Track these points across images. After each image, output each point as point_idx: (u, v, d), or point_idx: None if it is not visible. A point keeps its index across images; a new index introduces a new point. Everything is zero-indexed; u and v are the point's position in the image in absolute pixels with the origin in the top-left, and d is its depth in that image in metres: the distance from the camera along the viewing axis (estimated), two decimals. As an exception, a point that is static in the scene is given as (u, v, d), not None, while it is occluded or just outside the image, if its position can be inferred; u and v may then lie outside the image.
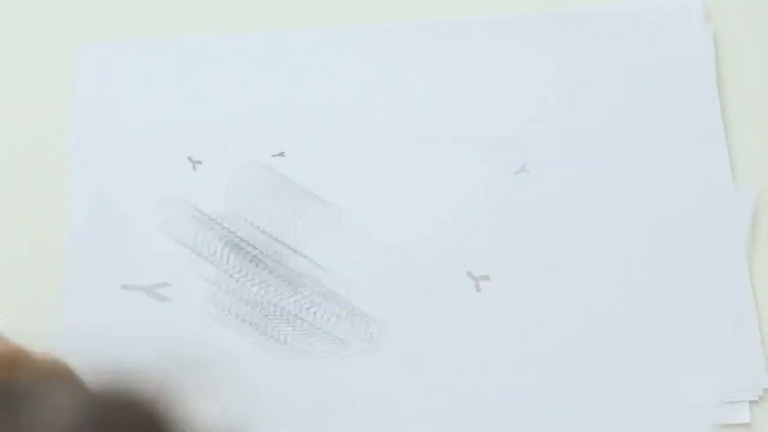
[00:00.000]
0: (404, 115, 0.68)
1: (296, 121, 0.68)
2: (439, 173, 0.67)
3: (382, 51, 0.70)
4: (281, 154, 0.67)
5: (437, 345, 0.62)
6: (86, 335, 0.62)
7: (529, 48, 0.69)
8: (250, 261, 0.64)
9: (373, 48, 0.70)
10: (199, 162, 0.67)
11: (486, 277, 0.63)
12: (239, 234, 0.65)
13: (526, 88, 0.69)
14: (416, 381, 0.61)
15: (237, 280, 0.64)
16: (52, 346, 0.62)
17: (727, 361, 0.62)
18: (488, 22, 0.70)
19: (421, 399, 0.61)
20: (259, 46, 0.70)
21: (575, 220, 0.65)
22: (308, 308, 0.63)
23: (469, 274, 0.63)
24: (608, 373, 0.62)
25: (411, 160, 0.67)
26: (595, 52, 0.69)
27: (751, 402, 0.61)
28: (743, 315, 0.63)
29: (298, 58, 0.70)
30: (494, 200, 0.66)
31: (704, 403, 0.61)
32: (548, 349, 0.62)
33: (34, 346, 0.62)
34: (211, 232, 0.66)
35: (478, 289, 0.63)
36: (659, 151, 0.67)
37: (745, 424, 0.61)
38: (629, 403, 0.61)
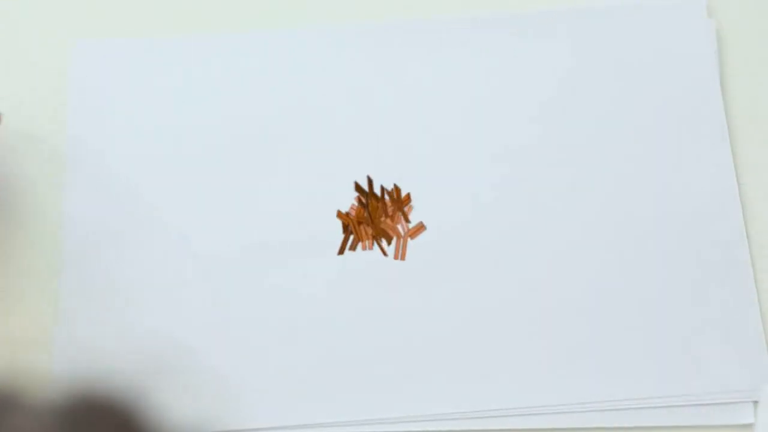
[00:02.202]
0: (408, 113, 0.68)
1: (295, 120, 0.68)
2: (444, 170, 0.66)
3: (387, 50, 0.70)
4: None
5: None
6: (81, 339, 0.62)
7: (531, 45, 0.69)
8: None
9: (377, 47, 0.70)
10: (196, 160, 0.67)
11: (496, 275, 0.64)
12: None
13: (530, 85, 0.68)
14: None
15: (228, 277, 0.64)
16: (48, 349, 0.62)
17: (729, 362, 0.62)
18: (491, 19, 0.70)
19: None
20: (257, 46, 0.70)
21: (578, 215, 0.65)
22: None
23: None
24: (608, 378, 0.61)
25: (414, 157, 0.67)
26: (598, 48, 0.69)
27: (755, 402, 0.61)
28: (747, 316, 0.63)
29: (294, 58, 0.70)
30: (499, 195, 0.66)
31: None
32: (550, 351, 0.62)
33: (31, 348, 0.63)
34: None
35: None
36: (662, 146, 0.66)
37: (749, 425, 0.60)
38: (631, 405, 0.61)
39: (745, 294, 0.63)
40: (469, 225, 0.65)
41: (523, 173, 0.66)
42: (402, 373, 0.62)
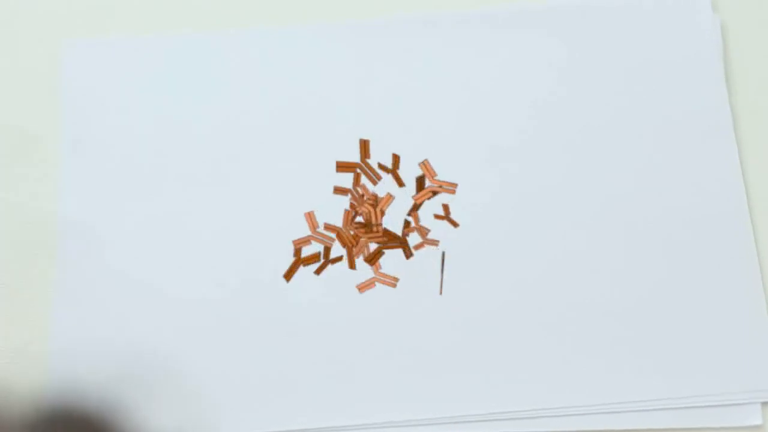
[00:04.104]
0: (402, 112, 0.67)
1: (289, 118, 0.67)
2: (440, 168, 0.66)
3: (378, 48, 0.69)
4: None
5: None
6: (75, 345, 0.63)
7: (534, 41, 0.68)
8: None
9: (371, 43, 0.69)
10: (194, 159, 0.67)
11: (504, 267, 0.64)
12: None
13: (531, 82, 0.67)
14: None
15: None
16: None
17: (738, 362, 0.61)
18: (491, 15, 0.69)
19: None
20: (252, 44, 0.69)
21: (582, 214, 0.64)
22: None
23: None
24: (613, 380, 0.61)
25: (408, 157, 0.66)
26: (602, 44, 0.68)
27: (763, 403, 0.60)
28: (754, 316, 0.62)
29: (287, 56, 0.69)
30: (498, 193, 0.65)
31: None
32: (554, 353, 0.62)
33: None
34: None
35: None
36: (666, 143, 0.66)
37: (757, 426, 0.60)
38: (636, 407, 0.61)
39: (752, 293, 0.62)
40: (470, 226, 0.65)
41: (525, 171, 0.65)
42: (402, 377, 0.62)
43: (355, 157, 0.66)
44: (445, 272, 0.64)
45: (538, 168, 0.66)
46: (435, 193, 0.66)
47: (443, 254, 0.64)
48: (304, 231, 0.65)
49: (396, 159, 0.66)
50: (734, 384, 0.60)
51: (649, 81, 0.67)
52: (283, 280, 0.64)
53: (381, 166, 0.66)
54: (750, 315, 0.62)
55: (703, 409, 0.60)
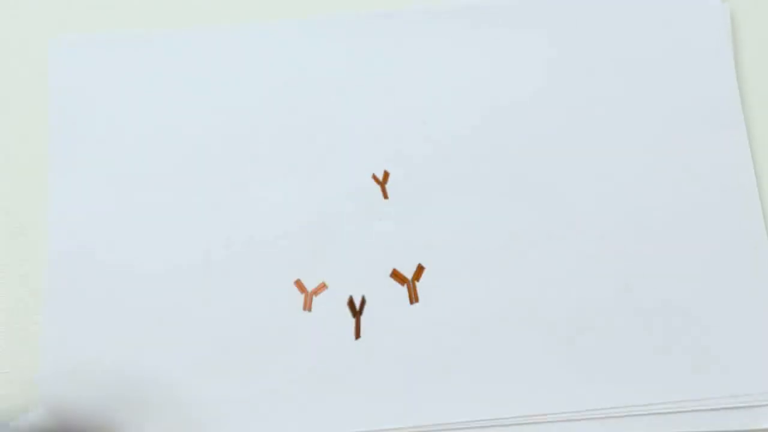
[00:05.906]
0: (399, 105, 0.66)
1: (282, 116, 0.66)
2: (436, 167, 0.65)
3: (373, 40, 0.68)
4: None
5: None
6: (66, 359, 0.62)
7: (539, 32, 0.67)
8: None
9: (364, 36, 0.68)
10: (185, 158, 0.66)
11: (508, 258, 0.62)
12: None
13: (536, 74, 0.66)
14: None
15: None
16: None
17: (750, 364, 0.59)
18: (493, 6, 0.68)
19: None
20: (243, 40, 0.68)
21: (586, 209, 0.63)
22: None
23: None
24: (621, 383, 0.59)
25: (409, 149, 0.65)
26: (609, 32, 0.67)
27: (773, 406, 0.59)
28: (765, 318, 0.60)
29: (279, 51, 0.68)
30: (500, 189, 0.64)
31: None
32: (561, 357, 0.60)
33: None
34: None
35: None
36: (676, 133, 0.64)
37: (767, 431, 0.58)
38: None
39: (765, 292, 0.60)
40: (467, 226, 0.63)
41: (528, 168, 0.64)
42: (396, 383, 0.60)
43: (352, 154, 0.65)
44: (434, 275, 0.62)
45: (540, 164, 0.64)
46: None
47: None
48: (301, 230, 0.64)
49: (386, 175, 0.65)
50: (746, 386, 0.58)
51: (658, 70, 0.66)
52: (282, 291, 0.63)
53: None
54: (762, 315, 0.60)
55: (714, 412, 0.58)
